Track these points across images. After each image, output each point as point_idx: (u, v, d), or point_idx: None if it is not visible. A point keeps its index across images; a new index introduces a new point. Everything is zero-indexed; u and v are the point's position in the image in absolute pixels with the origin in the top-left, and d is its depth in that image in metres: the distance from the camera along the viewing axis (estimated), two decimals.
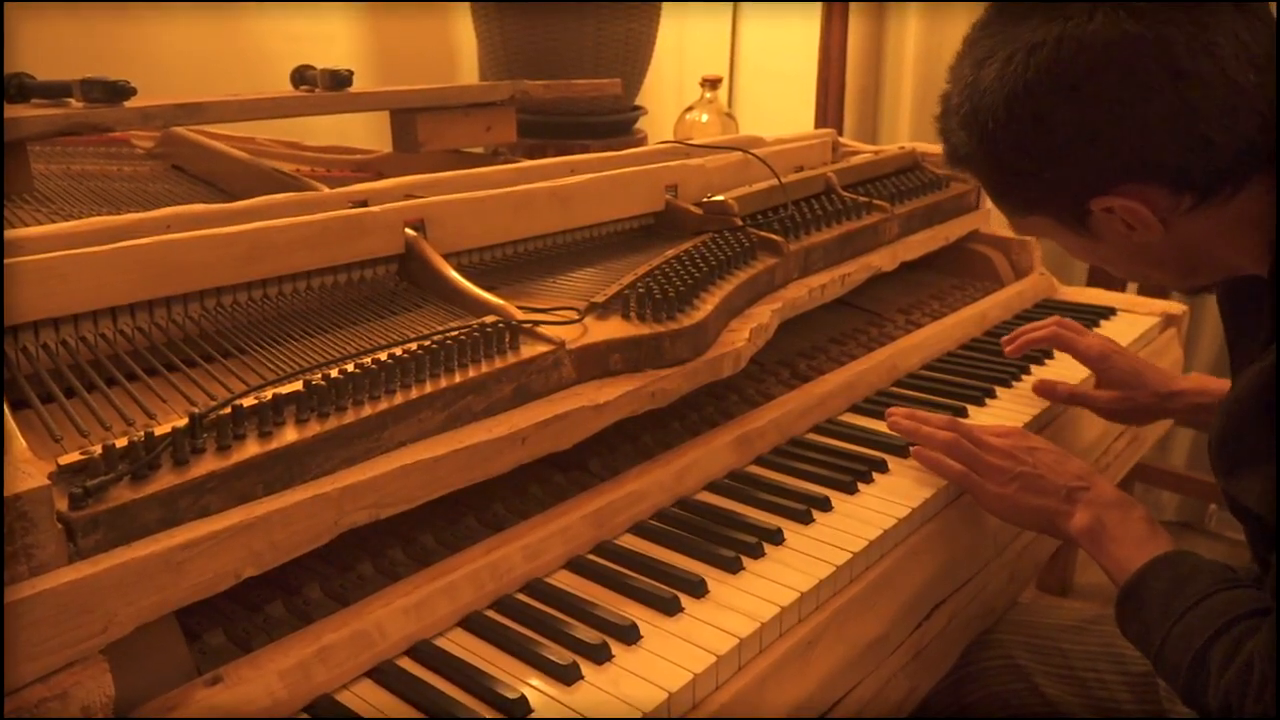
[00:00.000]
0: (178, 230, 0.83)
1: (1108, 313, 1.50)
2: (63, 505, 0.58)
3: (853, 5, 2.33)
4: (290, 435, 0.68)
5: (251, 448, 0.66)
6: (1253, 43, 0.70)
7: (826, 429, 1.06)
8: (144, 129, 1.20)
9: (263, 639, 0.67)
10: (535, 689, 0.65)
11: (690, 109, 2.19)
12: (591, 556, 0.81)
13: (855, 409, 1.12)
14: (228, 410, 0.67)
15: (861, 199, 1.38)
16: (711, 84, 2.18)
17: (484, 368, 0.80)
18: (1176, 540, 0.83)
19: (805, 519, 0.87)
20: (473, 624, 0.72)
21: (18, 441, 0.62)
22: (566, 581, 0.78)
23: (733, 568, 0.79)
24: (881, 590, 0.84)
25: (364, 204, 0.98)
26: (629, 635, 0.70)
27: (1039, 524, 0.90)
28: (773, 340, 1.10)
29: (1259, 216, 0.75)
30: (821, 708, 0.77)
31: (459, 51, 2.17)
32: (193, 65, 1.73)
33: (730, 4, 2.67)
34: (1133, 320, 1.49)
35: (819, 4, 2.35)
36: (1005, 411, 1.14)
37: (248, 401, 0.68)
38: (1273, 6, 0.76)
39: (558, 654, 0.68)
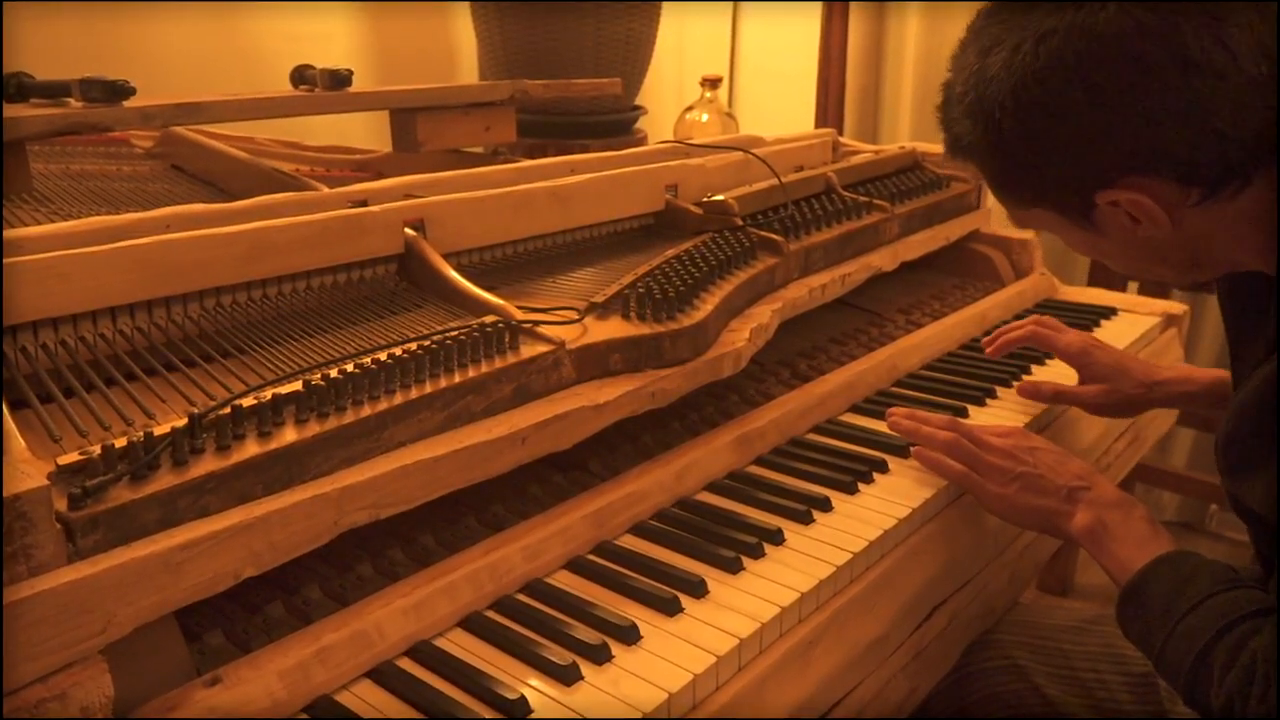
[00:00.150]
0: (177, 230, 0.83)
1: (1108, 312, 1.50)
2: (62, 505, 0.58)
3: (853, 5, 2.33)
4: (290, 435, 0.68)
5: (251, 448, 0.66)
6: (1267, 35, 0.69)
7: (827, 429, 1.06)
8: (143, 129, 1.19)
9: (262, 639, 0.67)
10: (535, 689, 0.65)
11: (690, 109, 2.19)
12: (591, 557, 0.81)
13: (855, 409, 1.12)
14: (227, 410, 0.67)
15: (862, 199, 1.38)
16: (711, 84, 2.17)
17: (484, 368, 0.80)
18: (1177, 541, 0.83)
19: (805, 519, 0.87)
20: (472, 624, 0.72)
21: (17, 441, 0.62)
22: (566, 582, 0.78)
23: (733, 568, 0.79)
24: (882, 591, 0.84)
25: (364, 204, 0.98)
26: (629, 636, 0.70)
27: (1040, 524, 0.90)
28: (773, 340, 1.10)
29: (1265, 212, 0.74)
30: (822, 708, 0.76)
31: (459, 51, 2.17)
32: (192, 65, 1.73)
33: (730, 3, 2.66)
34: (1133, 320, 1.49)
35: (819, 3, 2.35)
36: (1006, 411, 1.13)
37: (247, 402, 0.68)
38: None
39: (557, 654, 0.68)
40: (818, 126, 2.31)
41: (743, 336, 1.00)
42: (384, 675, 0.66)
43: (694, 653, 0.69)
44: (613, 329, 0.90)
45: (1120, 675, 0.96)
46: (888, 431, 1.03)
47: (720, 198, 1.23)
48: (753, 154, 1.36)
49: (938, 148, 1.63)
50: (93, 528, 0.58)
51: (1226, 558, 0.80)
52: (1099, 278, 2.01)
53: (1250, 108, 0.69)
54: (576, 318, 0.91)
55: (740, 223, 1.20)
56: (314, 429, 0.69)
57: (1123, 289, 1.97)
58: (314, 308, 0.91)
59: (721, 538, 0.83)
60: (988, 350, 1.20)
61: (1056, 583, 2.10)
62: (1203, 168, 0.71)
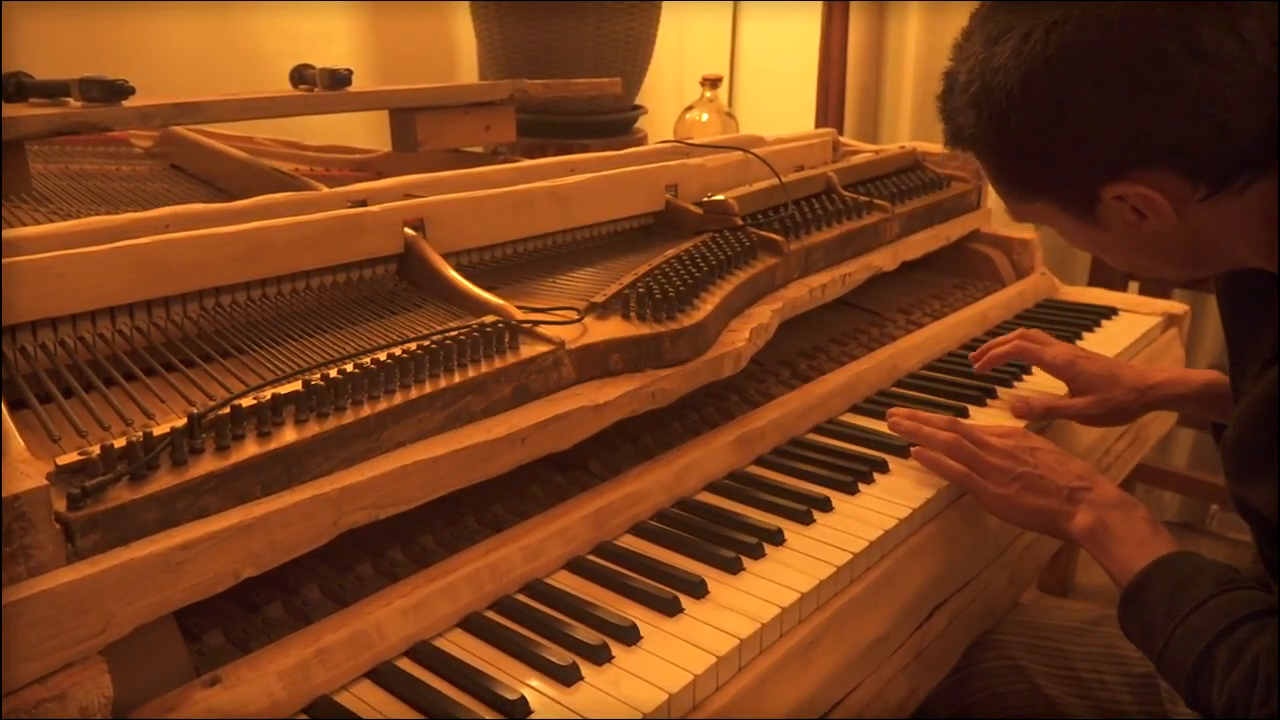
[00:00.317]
0: (176, 230, 0.83)
1: (1109, 312, 1.50)
2: (61, 506, 0.58)
3: (853, 4, 2.33)
4: (289, 436, 0.68)
5: (250, 448, 0.66)
6: None
7: (827, 429, 1.06)
8: (142, 128, 1.19)
9: (262, 640, 0.66)
10: (535, 690, 0.65)
11: (690, 108, 2.19)
12: (591, 557, 0.81)
13: (856, 409, 1.12)
14: (226, 410, 0.67)
15: (862, 198, 1.38)
16: (712, 83, 2.17)
17: (483, 368, 0.80)
18: (1178, 541, 0.83)
19: (806, 519, 0.87)
20: (472, 625, 0.72)
21: (16, 442, 0.61)
22: (566, 582, 0.77)
23: (733, 568, 0.79)
24: (882, 591, 0.84)
25: (363, 204, 0.97)
26: (629, 636, 0.70)
27: (1040, 524, 0.90)
28: (773, 340, 1.09)
29: (1271, 208, 0.73)
30: (822, 709, 0.76)
31: (458, 50, 2.17)
32: (191, 64, 1.73)
33: (730, 3, 2.66)
34: (1134, 320, 1.49)
35: (819, 3, 2.35)
36: (1006, 412, 1.13)
37: (246, 402, 0.68)
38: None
39: (557, 655, 0.68)
40: (818, 126, 2.30)
41: (743, 336, 1.00)
42: (384, 676, 0.66)
43: (694, 653, 0.69)
44: (613, 329, 0.90)
45: (1121, 676, 0.96)
46: (888, 432, 1.03)
47: (720, 197, 1.23)
48: (753, 154, 1.36)
49: (938, 147, 1.65)
50: (92, 528, 0.58)
51: (1228, 558, 0.79)
52: (1099, 278, 2.01)
53: (1262, 100, 0.68)
54: (576, 318, 0.91)
55: (740, 222, 1.20)
56: (313, 429, 0.69)
57: (1123, 289, 1.97)
58: (313, 308, 0.91)
59: (721, 538, 0.83)
60: (975, 366, 1.19)
61: (1057, 583, 2.10)
62: (1212, 162, 0.70)
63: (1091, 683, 0.96)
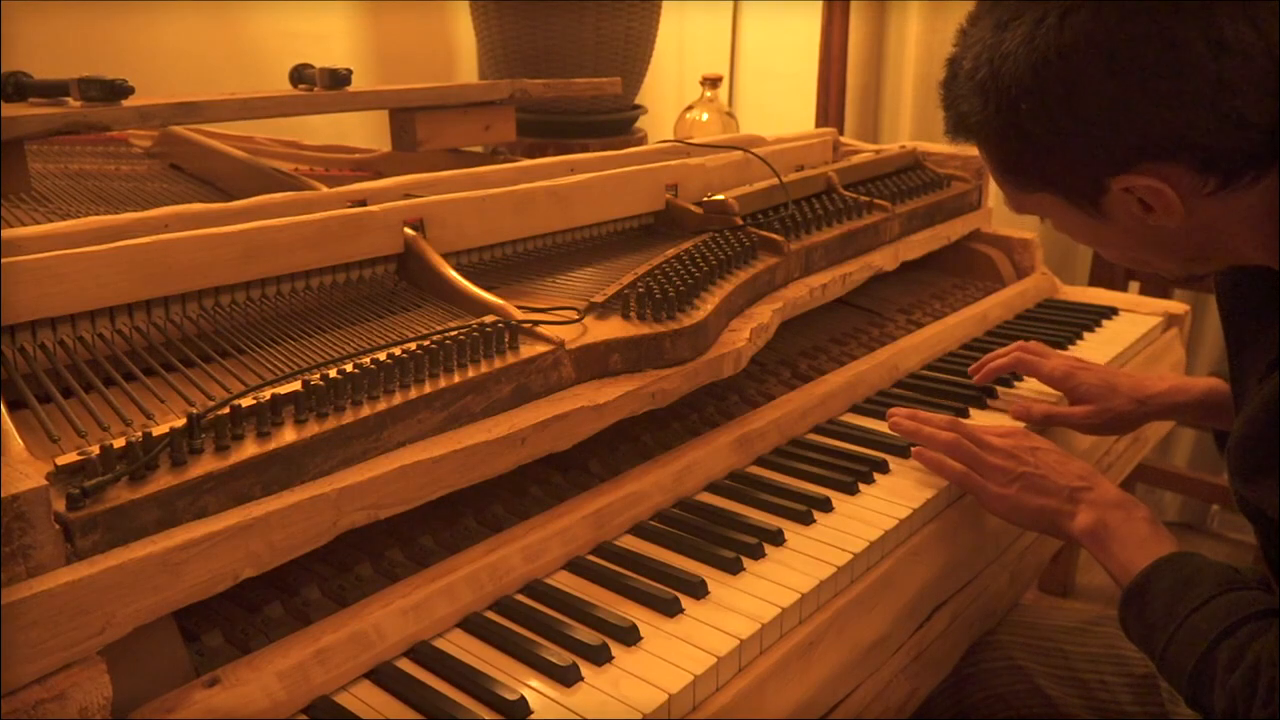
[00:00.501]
0: (176, 230, 0.83)
1: (1109, 312, 1.50)
2: (60, 506, 0.58)
3: (854, 3, 2.33)
4: (289, 436, 0.68)
5: (250, 448, 0.66)
6: None
7: (827, 429, 1.06)
8: (142, 128, 1.19)
9: (261, 640, 0.66)
10: (535, 690, 0.65)
11: (690, 108, 2.19)
12: (591, 557, 0.81)
13: (856, 409, 1.12)
14: (226, 411, 0.67)
15: (862, 198, 1.38)
16: (712, 83, 2.17)
17: (483, 368, 0.80)
18: (1179, 541, 0.83)
19: (806, 520, 0.87)
20: (472, 625, 0.72)
21: (15, 442, 0.61)
22: (566, 582, 0.77)
23: (733, 569, 0.79)
24: (882, 591, 0.84)
25: (363, 203, 0.97)
26: (629, 636, 0.70)
27: (1041, 524, 0.90)
28: (773, 340, 1.09)
29: (1278, 204, 0.72)
30: (822, 709, 0.76)
31: (458, 50, 2.17)
32: (191, 64, 1.73)
33: (731, 2, 2.66)
34: (1134, 320, 1.49)
35: (820, 2, 2.35)
36: (1006, 412, 1.13)
37: (246, 402, 0.68)
38: None
39: (557, 655, 0.68)
40: (818, 126, 2.31)
41: (743, 336, 1.00)
42: (383, 676, 0.66)
43: (694, 653, 0.69)
44: (613, 329, 0.90)
45: (1121, 676, 0.96)
46: (888, 432, 1.02)
47: (721, 197, 1.23)
48: (753, 153, 1.36)
49: (939, 147, 1.65)
50: (91, 528, 0.58)
51: (1228, 558, 0.79)
52: (1100, 277, 2.01)
53: (1274, 93, 0.67)
54: (576, 318, 0.91)
55: (741, 222, 1.20)
56: (313, 429, 0.69)
57: (1124, 289, 1.97)
58: (313, 307, 0.90)
59: (722, 538, 0.83)
60: (974, 379, 1.18)
61: (1057, 584, 2.09)
62: (1223, 155, 0.69)
63: (1092, 683, 0.96)
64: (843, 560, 0.81)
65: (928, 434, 0.97)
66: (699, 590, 0.76)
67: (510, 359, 0.81)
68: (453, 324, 0.84)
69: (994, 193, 1.62)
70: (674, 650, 0.70)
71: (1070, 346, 1.35)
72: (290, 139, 1.51)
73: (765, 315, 1.06)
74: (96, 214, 0.90)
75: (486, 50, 1.93)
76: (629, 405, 0.87)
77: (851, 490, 0.93)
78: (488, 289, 0.92)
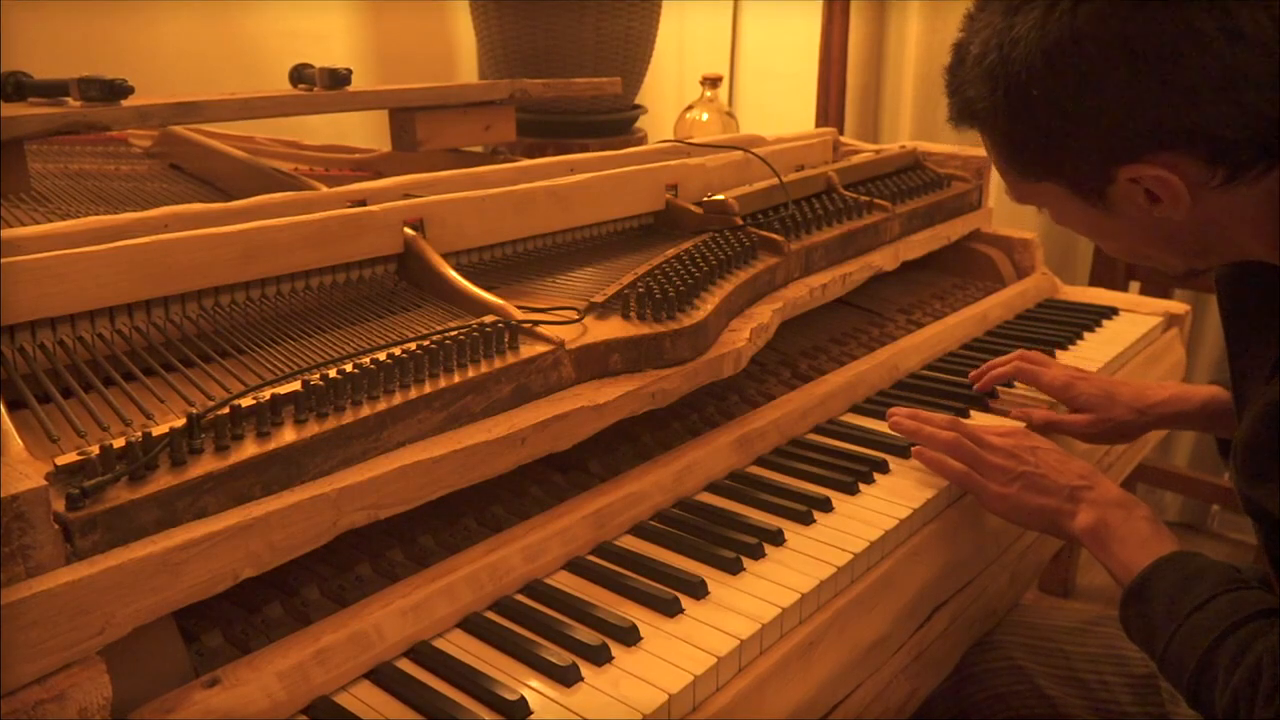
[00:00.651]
0: (175, 230, 0.83)
1: (1110, 312, 1.50)
2: (60, 506, 0.58)
3: (854, 3, 2.33)
4: (288, 436, 0.68)
5: (249, 448, 0.66)
6: None
7: (827, 429, 1.06)
8: (141, 128, 1.19)
9: (261, 640, 0.66)
10: (535, 690, 0.65)
11: (690, 108, 2.19)
12: (591, 557, 0.81)
13: (856, 409, 1.12)
14: (226, 411, 0.66)
15: (862, 198, 1.38)
16: (712, 82, 2.17)
17: (483, 368, 0.79)
18: (1179, 541, 0.83)
19: (806, 520, 0.87)
20: (472, 625, 0.72)
21: (15, 442, 0.61)
22: (566, 583, 0.77)
23: (733, 569, 0.79)
24: (883, 591, 0.83)
25: (363, 203, 0.97)
26: (629, 636, 0.70)
27: (1042, 524, 0.90)
28: (773, 340, 1.09)
29: None
30: (822, 709, 0.76)
31: (458, 50, 2.17)
32: (191, 63, 1.73)
33: (731, 2, 2.66)
34: (1135, 320, 1.49)
35: (820, 2, 2.35)
36: (1006, 412, 1.13)
37: (246, 402, 0.68)
38: None
39: (557, 655, 0.68)
40: (818, 126, 2.31)
41: (743, 336, 1.00)
42: (383, 676, 0.66)
43: (694, 654, 0.69)
44: (613, 329, 0.90)
45: (1122, 676, 0.95)
46: (888, 432, 1.02)
47: (721, 197, 1.23)
48: (753, 153, 1.36)
49: (939, 147, 1.65)
50: (91, 528, 0.58)
51: (1229, 558, 0.79)
52: (1100, 277, 2.01)
53: None
54: (576, 318, 0.90)
55: (741, 222, 1.19)
56: (313, 429, 0.69)
57: (1124, 289, 1.97)
58: (313, 307, 0.90)
59: (722, 538, 0.83)
60: (975, 386, 1.17)
61: (1058, 584, 2.09)
62: (1234, 146, 0.68)
63: (1092, 683, 0.96)
64: (843, 560, 0.81)
65: (928, 433, 0.97)
66: (699, 590, 0.76)
67: (510, 359, 0.81)
68: (453, 324, 0.84)
69: (994, 193, 1.63)
70: (674, 650, 0.69)
71: (1070, 347, 1.35)
72: (290, 139, 1.52)
73: (765, 315, 1.06)
74: (96, 214, 0.90)
75: (486, 50, 1.93)
76: (629, 405, 0.87)
77: (851, 490, 0.93)
78: (488, 289, 0.92)
